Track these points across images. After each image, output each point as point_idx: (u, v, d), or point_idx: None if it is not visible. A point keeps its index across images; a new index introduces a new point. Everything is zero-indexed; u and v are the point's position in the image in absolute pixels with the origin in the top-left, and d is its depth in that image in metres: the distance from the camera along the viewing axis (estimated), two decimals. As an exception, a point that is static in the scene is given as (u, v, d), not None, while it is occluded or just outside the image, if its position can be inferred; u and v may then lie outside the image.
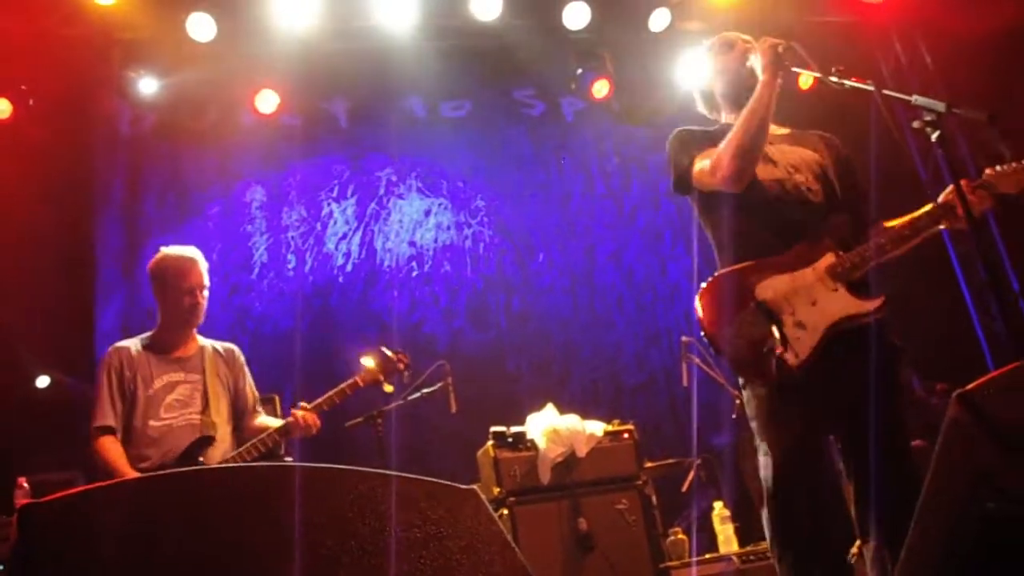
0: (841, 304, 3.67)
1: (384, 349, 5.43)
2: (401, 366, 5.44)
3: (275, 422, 5.21)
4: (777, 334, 3.61)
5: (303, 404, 5.12)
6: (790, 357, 3.58)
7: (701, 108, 4.34)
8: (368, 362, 5.35)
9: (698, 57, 4.31)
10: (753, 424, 3.78)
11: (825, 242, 3.77)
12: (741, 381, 3.88)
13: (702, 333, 3.82)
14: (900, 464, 3.55)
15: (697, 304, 3.84)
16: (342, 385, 5.23)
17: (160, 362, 5.02)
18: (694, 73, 4.34)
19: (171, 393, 4.94)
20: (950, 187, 3.54)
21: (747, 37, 4.16)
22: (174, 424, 4.87)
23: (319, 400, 5.16)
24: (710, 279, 3.88)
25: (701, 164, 3.94)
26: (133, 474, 4.58)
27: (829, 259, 3.73)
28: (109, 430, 4.78)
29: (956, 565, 2.03)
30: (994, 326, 8.78)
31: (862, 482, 3.60)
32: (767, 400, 3.68)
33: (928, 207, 3.72)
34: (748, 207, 3.83)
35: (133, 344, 5.06)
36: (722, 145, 3.84)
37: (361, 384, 5.29)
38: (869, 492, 3.55)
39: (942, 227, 3.73)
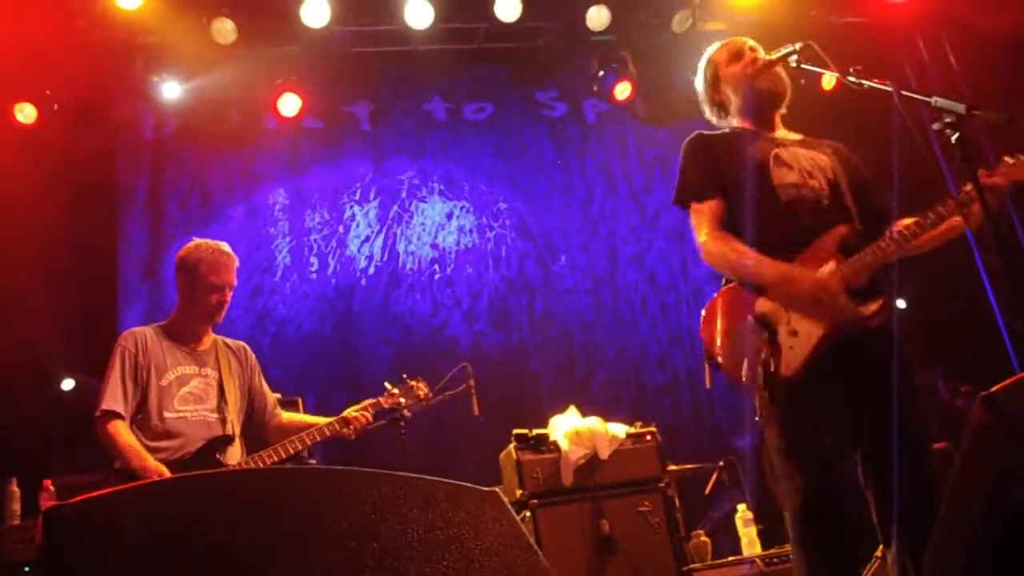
0: (841, 307, 3.66)
1: (405, 377, 5.44)
2: (421, 394, 5.42)
3: (310, 418, 5.19)
4: (769, 345, 3.61)
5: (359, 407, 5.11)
6: (782, 367, 3.58)
7: (709, 115, 4.32)
8: (390, 387, 5.34)
9: (704, 66, 4.29)
10: (764, 430, 3.77)
11: (829, 249, 3.74)
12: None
13: (704, 349, 3.84)
14: (919, 470, 3.52)
15: (701, 318, 3.88)
16: (363, 403, 5.18)
17: (174, 353, 4.90)
18: (700, 81, 4.32)
19: (185, 386, 4.83)
20: (963, 186, 3.51)
21: (753, 43, 4.16)
22: (189, 418, 4.76)
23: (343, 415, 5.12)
24: (714, 296, 3.89)
25: (696, 218, 4.00)
26: (153, 462, 4.50)
27: (830, 266, 3.71)
28: (118, 415, 4.65)
29: (981, 566, 2.02)
30: (1019, 328, 8.72)
31: (881, 488, 3.57)
32: (772, 408, 3.66)
33: (936, 206, 3.68)
34: (762, 213, 3.82)
35: (149, 331, 4.94)
36: (712, 241, 3.91)
37: (383, 406, 5.27)
38: (888, 499, 3.53)
39: (956, 222, 3.69)
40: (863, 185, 4.02)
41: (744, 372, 3.69)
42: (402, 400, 5.30)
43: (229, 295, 5.01)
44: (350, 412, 5.06)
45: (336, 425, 4.99)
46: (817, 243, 3.76)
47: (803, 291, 3.66)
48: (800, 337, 3.63)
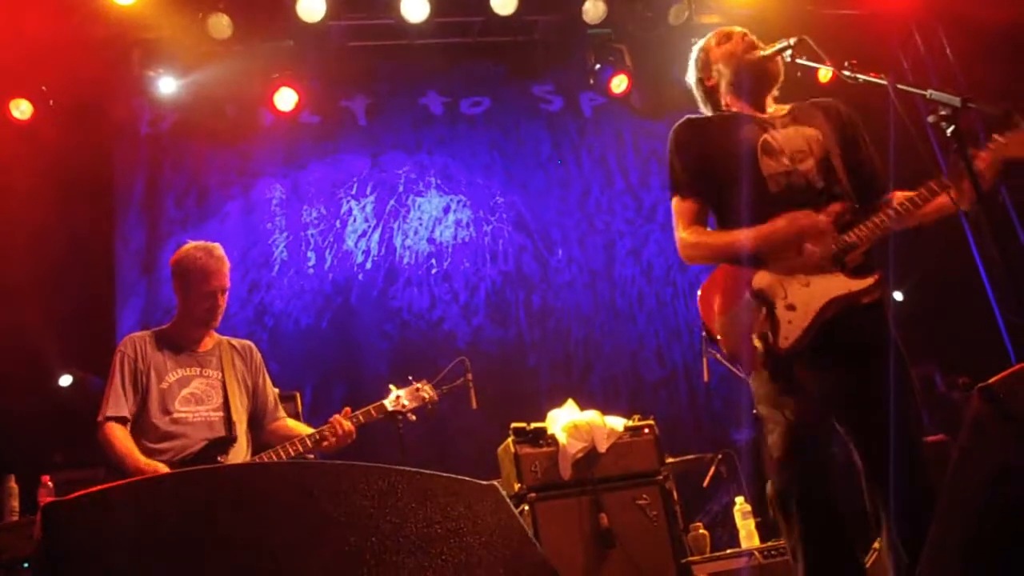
0: (834, 284, 3.67)
1: (411, 379, 5.38)
2: (426, 397, 5.36)
3: (303, 427, 5.13)
4: (766, 318, 3.63)
5: (346, 412, 5.05)
6: (780, 340, 3.60)
7: (702, 107, 4.31)
8: (395, 390, 5.30)
9: (695, 55, 4.29)
10: (759, 409, 3.80)
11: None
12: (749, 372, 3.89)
13: (701, 325, 3.86)
14: (911, 459, 3.52)
15: (698, 297, 3.89)
16: (368, 407, 5.14)
17: (174, 356, 4.89)
18: (692, 71, 4.32)
19: (186, 387, 4.82)
20: (954, 163, 3.51)
21: (744, 30, 4.16)
22: (190, 419, 4.75)
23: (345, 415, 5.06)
24: (712, 273, 3.91)
25: (676, 214, 4.04)
26: (146, 463, 4.50)
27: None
28: (120, 419, 4.66)
29: (978, 558, 2.02)
30: (1016, 319, 8.72)
31: (873, 479, 3.58)
32: (769, 385, 3.70)
33: (930, 181, 3.68)
34: (752, 205, 3.82)
35: (148, 336, 4.94)
36: (688, 235, 3.96)
37: (388, 410, 5.21)
38: (881, 489, 3.54)
39: (943, 202, 3.69)
40: (857, 150, 4.00)
41: (742, 348, 3.71)
42: (406, 403, 5.26)
43: (223, 298, 4.98)
44: (334, 420, 4.99)
45: (317, 436, 4.91)
46: None
47: (786, 232, 3.71)
48: (797, 311, 3.65)
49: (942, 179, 3.62)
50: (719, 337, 3.79)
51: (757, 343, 3.62)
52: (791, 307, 3.66)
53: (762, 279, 3.75)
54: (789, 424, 3.63)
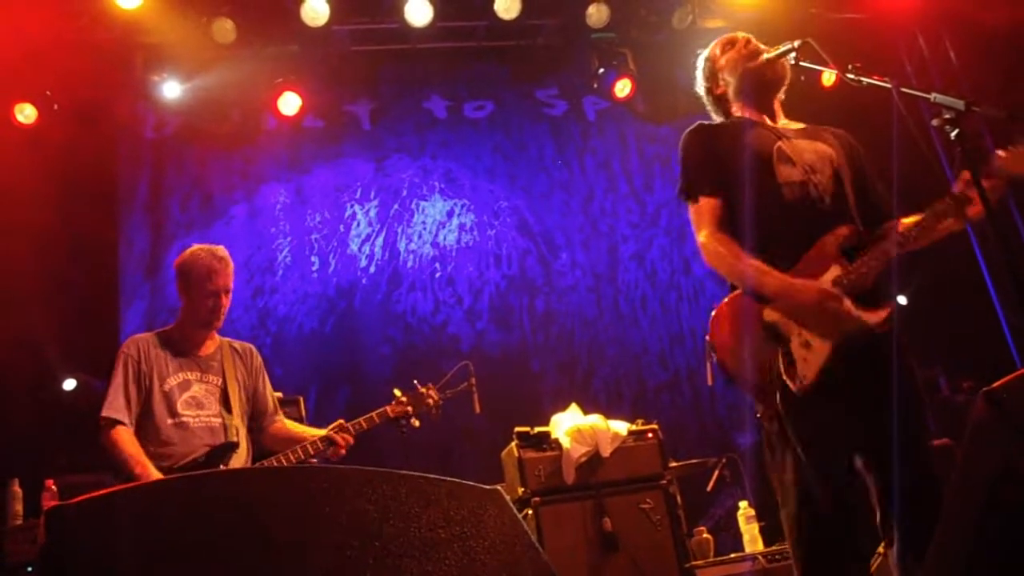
0: (847, 319, 3.58)
1: (416, 383, 5.37)
2: (430, 402, 5.35)
3: (307, 428, 5.13)
4: (782, 357, 3.58)
5: (343, 424, 5.03)
6: (795, 382, 3.54)
7: (713, 115, 4.29)
8: (400, 395, 5.28)
9: (702, 65, 4.29)
10: (775, 441, 3.73)
11: (830, 253, 3.69)
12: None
13: (715, 360, 3.78)
14: (920, 469, 3.49)
15: (708, 331, 3.82)
16: (371, 413, 5.13)
17: (176, 359, 4.87)
18: (700, 78, 4.31)
19: (186, 391, 4.80)
20: (961, 179, 3.50)
21: (747, 35, 4.15)
22: (191, 424, 4.73)
23: (348, 424, 5.02)
24: (720, 304, 3.84)
25: (695, 216, 3.94)
26: (155, 472, 4.47)
27: (835, 272, 3.63)
28: (120, 422, 4.62)
29: (982, 562, 2.02)
30: (1020, 323, 8.71)
31: (883, 487, 3.56)
32: (786, 421, 3.60)
33: (936, 203, 3.65)
34: (764, 212, 3.77)
35: (151, 338, 4.93)
36: (714, 243, 3.83)
37: (391, 415, 5.20)
38: (890, 497, 3.51)
39: (951, 223, 3.67)
40: (864, 177, 3.98)
41: (756, 383, 3.65)
42: (410, 408, 5.23)
43: (226, 299, 4.96)
44: (336, 430, 4.97)
45: (320, 444, 4.90)
46: (819, 245, 3.71)
47: (807, 303, 3.60)
48: (813, 349, 3.56)
49: (947, 201, 3.58)
50: (731, 370, 3.71)
51: (774, 383, 3.57)
52: (806, 344, 3.57)
53: (773, 312, 3.66)
54: (810, 463, 3.56)
